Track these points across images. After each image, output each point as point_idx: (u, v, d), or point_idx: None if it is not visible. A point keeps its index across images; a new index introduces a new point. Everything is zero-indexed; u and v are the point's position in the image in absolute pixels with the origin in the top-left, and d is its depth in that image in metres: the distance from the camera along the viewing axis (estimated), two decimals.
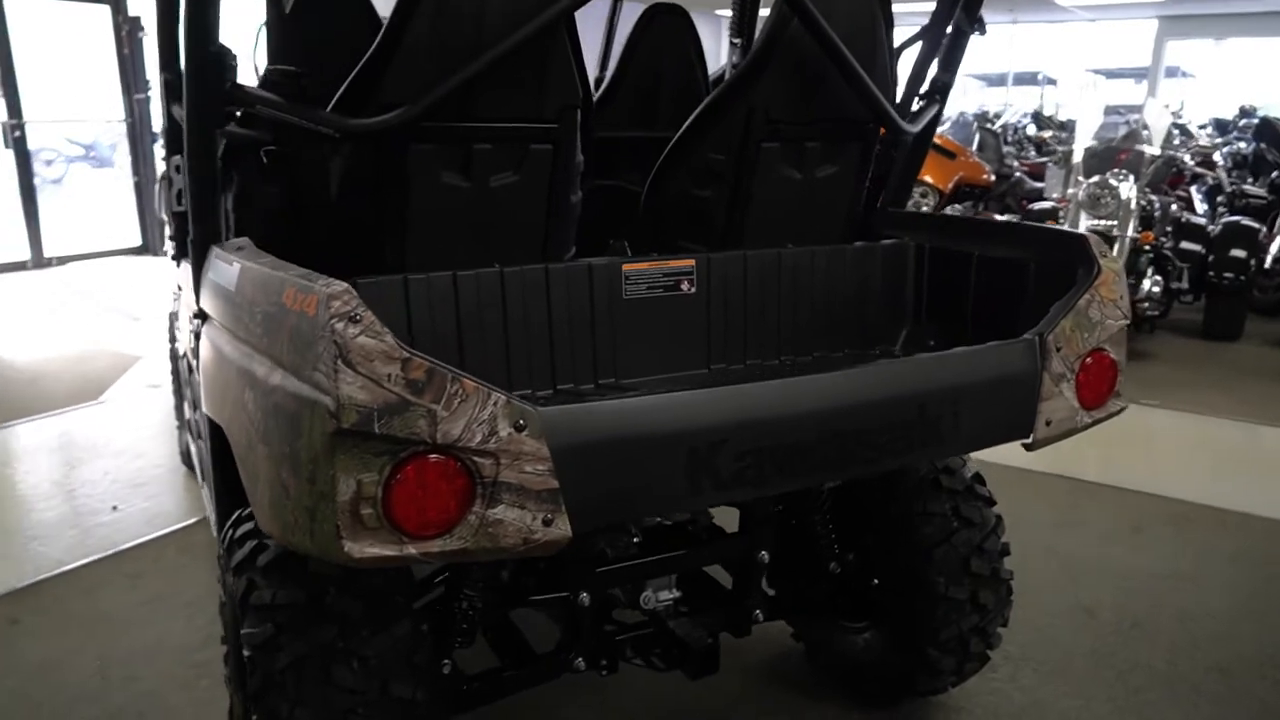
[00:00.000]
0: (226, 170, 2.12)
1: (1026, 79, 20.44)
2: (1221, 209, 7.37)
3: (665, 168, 2.29)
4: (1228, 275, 6.18)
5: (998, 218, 7.32)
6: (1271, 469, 4.37)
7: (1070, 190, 6.07)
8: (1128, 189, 5.69)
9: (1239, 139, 9.42)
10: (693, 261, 2.13)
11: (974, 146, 8.90)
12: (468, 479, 1.27)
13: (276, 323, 1.34)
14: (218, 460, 1.76)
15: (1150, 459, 4.39)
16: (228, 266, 1.59)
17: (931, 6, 2.34)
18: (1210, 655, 2.71)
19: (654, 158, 2.32)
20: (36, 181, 9.08)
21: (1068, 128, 8.69)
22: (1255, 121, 9.61)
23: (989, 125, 9.35)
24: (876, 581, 2.32)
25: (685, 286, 2.13)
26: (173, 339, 3.77)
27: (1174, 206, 6.41)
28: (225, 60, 1.60)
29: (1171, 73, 17.79)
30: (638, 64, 3.12)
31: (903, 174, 2.47)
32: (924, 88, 2.41)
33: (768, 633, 2.38)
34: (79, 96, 9.96)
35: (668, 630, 2.04)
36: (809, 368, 2.29)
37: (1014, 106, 12.23)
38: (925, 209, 7.98)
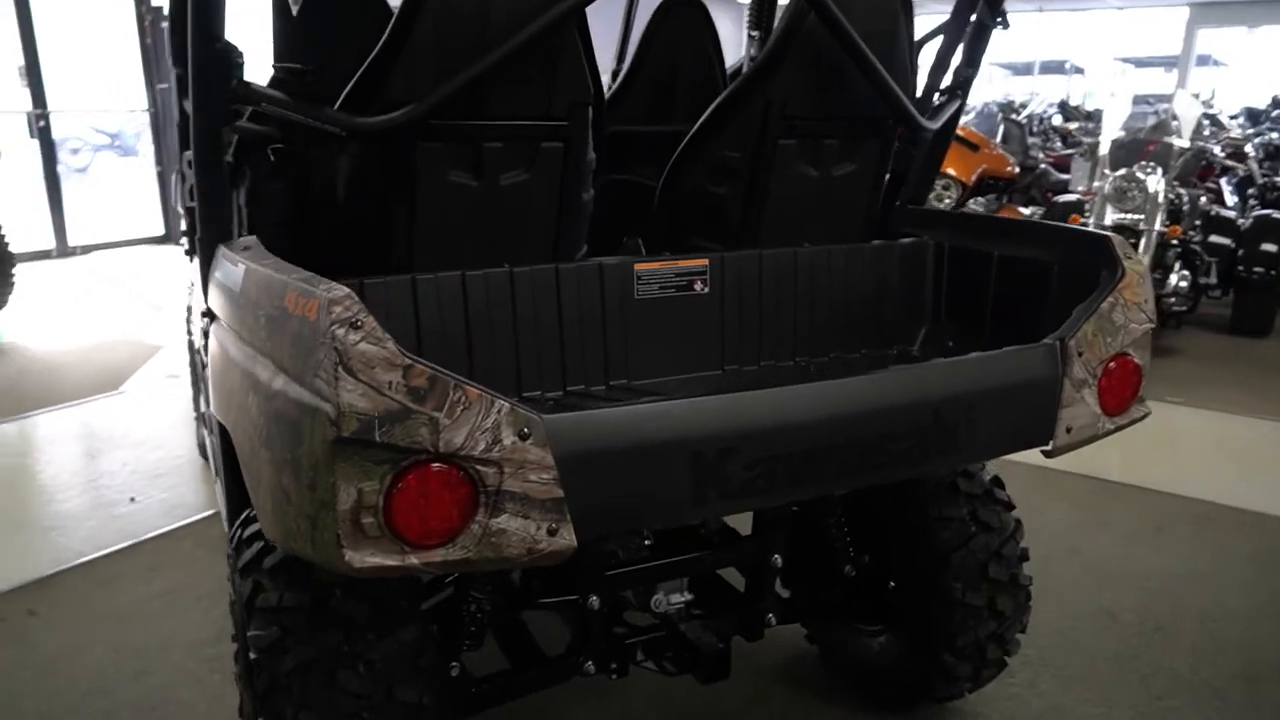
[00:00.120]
0: (239, 166, 2.11)
1: (1053, 68, 20.18)
2: (1252, 202, 7.24)
3: (680, 164, 2.26)
4: (1258, 270, 6.08)
5: (1022, 210, 7.22)
6: None
7: (1096, 183, 5.96)
8: (1155, 182, 5.59)
9: (1271, 130, 9.24)
10: (706, 261, 2.09)
11: (998, 138, 8.77)
12: (471, 488, 1.25)
13: (279, 326, 1.32)
14: (227, 459, 1.76)
15: (1175, 458, 4.31)
16: (233, 267, 1.57)
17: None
18: (1234, 660, 2.66)
19: (669, 152, 2.28)
20: (63, 170, 9.17)
21: (1095, 118, 8.53)
22: None
23: (1014, 116, 9.22)
24: (892, 584, 2.28)
25: (698, 286, 2.09)
26: (190, 331, 3.78)
27: (1203, 199, 6.31)
28: (231, 57, 1.58)
29: (1203, 61, 17.50)
30: (654, 57, 3.08)
31: (922, 171, 2.42)
32: (945, 83, 2.36)
33: (782, 634, 2.36)
34: (104, 86, 10.05)
35: (679, 634, 2.01)
36: (825, 369, 2.25)
37: (1040, 96, 12.06)
38: (948, 202, 7.89)
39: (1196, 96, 7.42)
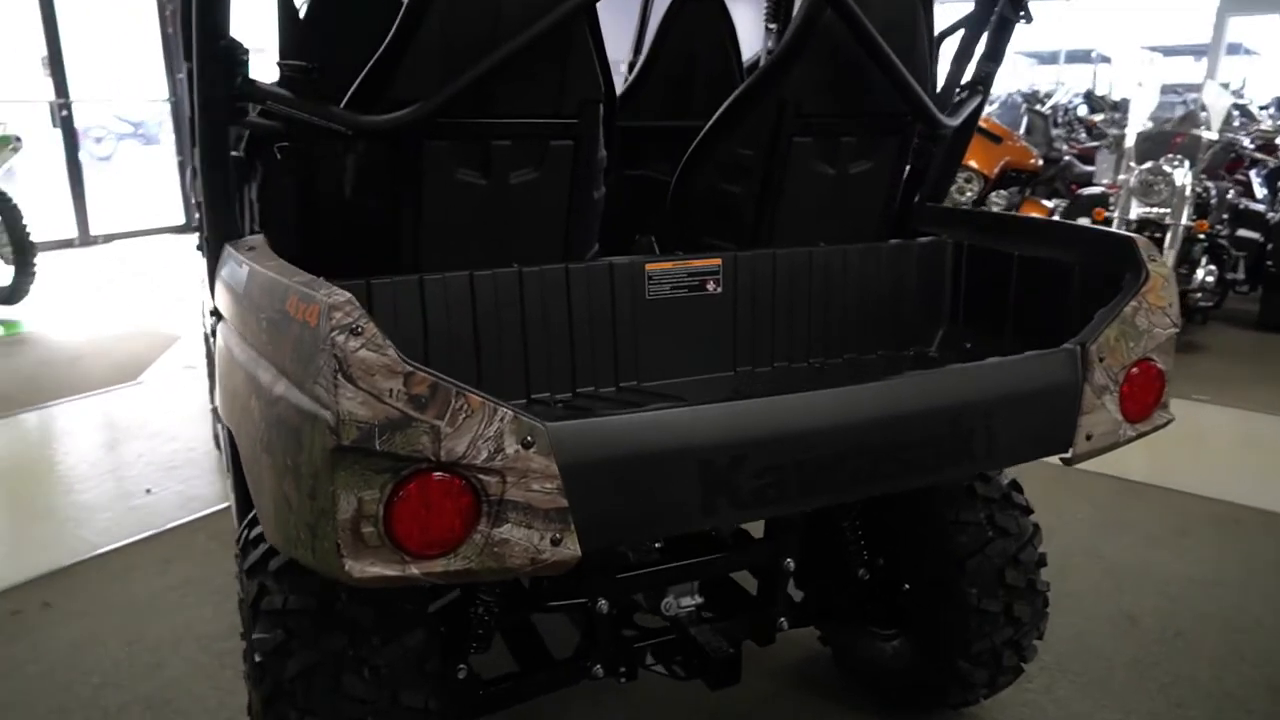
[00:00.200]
0: (251, 161, 2.09)
1: (1079, 56, 19.88)
2: None
3: (693, 162, 2.22)
4: None
5: (1045, 204, 7.11)
6: None
7: (1122, 176, 5.86)
8: (1182, 175, 5.49)
9: None
10: (719, 260, 2.06)
11: (1021, 129, 8.64)
12: (473, 497, 1.22)
13: (280, 330, 1.30)
14: (234, 459, 1.74)
15: (1199, 458, 4.24)
16: (238, 268, 1.56)
17: None
18: (1258, 670, 2.60)
19: (685, 147, 2.25)
20: (87, 159, 9.25)
21: (1121, 108, 8.39)
22: None
23: (1038, 107, 9.08)
24: (907, 587, 2.25)
25: (711, 286, 2.06)
26: (205, 323, 3.79)
27: (1231, 192, 6.19)
28: (236, 54, 1.56)
29: (1233, 50, 17.18)
30: (670, 50, 3.04)
31: (942, 168, 2.37)
32: (966, 78, 2.31)
33: (794, 635, 2.33)
34: (127, 75, 10.10)
35: (689, 637, 1.99)
36: (839, 371, 2.22)
37: (1065, 86, 11.87)
38: (969, 195, 7.79)
39: (1226, 86, 7.30)
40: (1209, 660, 2.64)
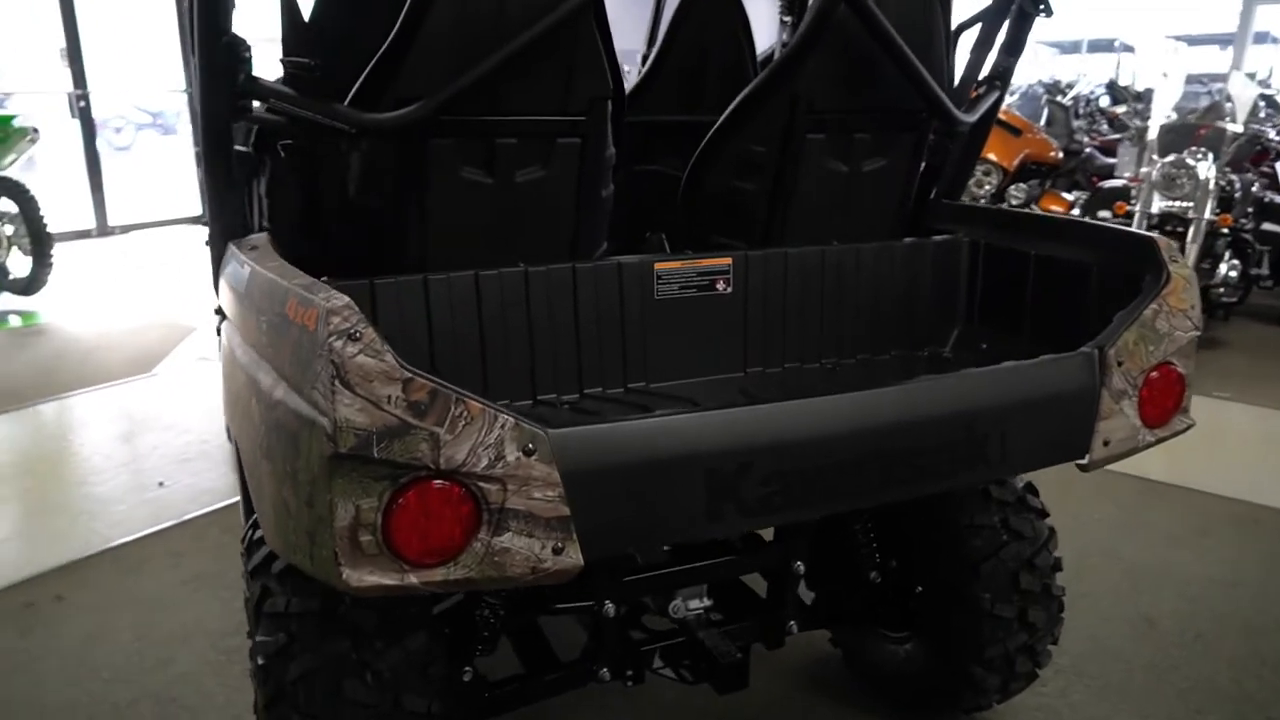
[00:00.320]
0: (260, 156, 2.08)
1: (1102, 45, 19.63)
2: None
3: (704, 159, 2.18)
4: None
5: (1065, 196, 7.02)
6: None
7: (1144, 169, 5.77)
8: (1206, 169, 5.39)
9: None
10: (729, 260, 2.03)
11: (1041, 121, 8.54)
12: (473, 505, 1.20)
13: (280, 334, 1.29)
14: (239, 459, 1.74)
15: (1221, 457, 4.17)
16: (240, 268, 1.54)
17: None
18: (1278, 673, 2.55)
19: (696, 142, 2.21)
20: (106, 149, 9.29)
21: (1145, 99, 8.27)
22: None
23: (1059, 99, 8.96)
24: (919, 590, 2.22)
25: (721, 286, 2.03)
26: None
27: (1256, 186, 6.08)
28: (238, 52, 1.54)
29: (1261, 39, 16.89)
30: (682, 42, 3.00)
31: (959, 164, 2.33)
32: (984, 72, 2.26)
33: (804, 636, 2.30)
34: (146, 65, 10.14)
35: (697, 641, 1.97)
36: (852, 372, 2.18)
37: (1087, 76, 11.72)
38: (987, 188, 7.70)
39: (1253, 76, 7.18)
40: (1229, 663, 2.60)
